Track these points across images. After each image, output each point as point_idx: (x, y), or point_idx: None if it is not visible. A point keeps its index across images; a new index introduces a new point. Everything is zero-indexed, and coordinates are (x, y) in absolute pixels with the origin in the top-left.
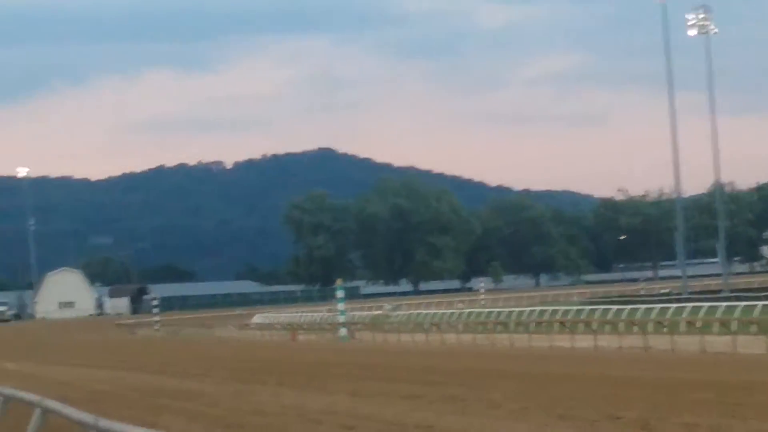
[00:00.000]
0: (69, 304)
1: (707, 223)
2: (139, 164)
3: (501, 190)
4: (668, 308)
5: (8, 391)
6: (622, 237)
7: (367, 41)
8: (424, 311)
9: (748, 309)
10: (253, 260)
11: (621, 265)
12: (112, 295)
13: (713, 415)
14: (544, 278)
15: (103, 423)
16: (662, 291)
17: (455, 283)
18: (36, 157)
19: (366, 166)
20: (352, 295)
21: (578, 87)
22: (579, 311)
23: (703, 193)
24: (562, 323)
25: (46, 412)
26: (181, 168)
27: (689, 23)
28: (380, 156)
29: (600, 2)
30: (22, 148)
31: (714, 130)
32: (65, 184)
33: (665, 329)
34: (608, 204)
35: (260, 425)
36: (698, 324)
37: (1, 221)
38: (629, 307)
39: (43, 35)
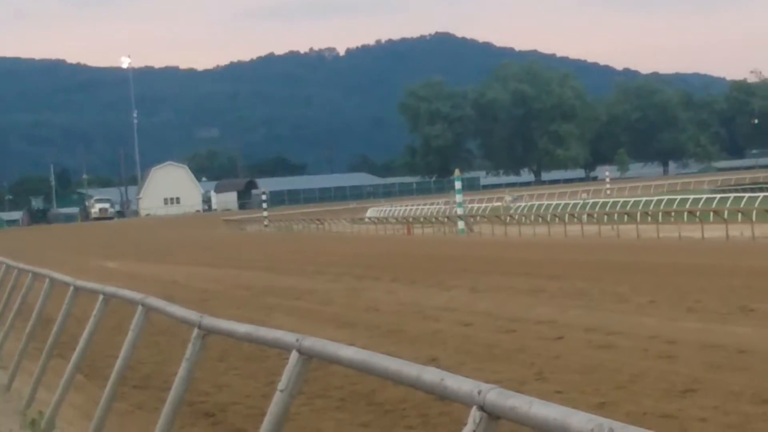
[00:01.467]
0: (174, 200)
1: None
2: (247, 53)
3: (628, 74)
4: None
5: (109, 289)
6: (755, 121)
7: None
8: (547, 202)
9: None
10: (366, 151)
11: (754, 151)
12: (219, 190)
13: None
14: (672, 166)
15: (207, 320)
16: None
17: (579, 173)
18: (140, 47)
19: (486, 50)
20: (471, 186)
21: None
22: (709, 200)
23: None
24: (691, 213)
25: (149, 310)
26: (292, 56)
27: None
28: (501, 40)
29: None
30: (126, 37)
31: None
32: (170, 74)
33: None
34: (741, 86)
35: (375, 323)
36: None
37: (104, 114)
38: (763, 194)
39: None
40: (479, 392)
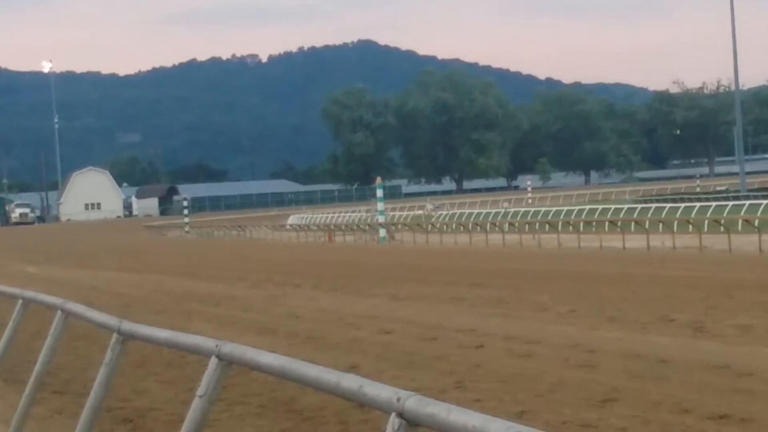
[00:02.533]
0: (95, 206)
1: (767, 116)
2: (169, 58)
3: (550, 83)
4: (725, 206)
5: (29, 293)
6: (677, 132)
7: None
8: (468, 211)
9: None
10: (289, 158)
11: (676, 162)
12: (140, 196)
13: None
14: (594, 176)
15: (127, 326)
16: (719, 188)
17: (501, 182)
18: (62, 51)
19: (409, 58)
20: (393, 194)
21: None
22: (631, 209)
23: (763, 85)
24: (613, 222)
25: (69, 315)
26: (215, 62)
27: None
28: (424, 48)
29: None
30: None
31: None
32: (92, 79)
33: (722, 228)
34: (663, 97)
35: (295, 330)
36: (756, 222)
37: (26, 118)
38: (684, 205)
39: None
40: (398, 399)
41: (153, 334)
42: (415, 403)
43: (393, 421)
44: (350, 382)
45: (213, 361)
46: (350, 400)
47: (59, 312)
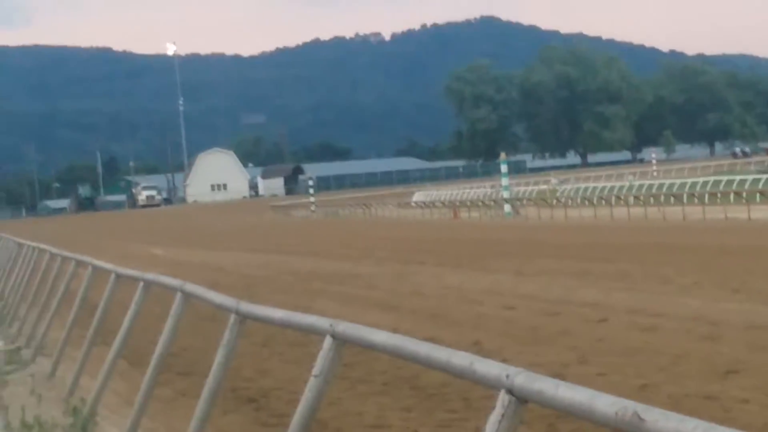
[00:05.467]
0: (221, 187)
1: None
2: (292, 38)
3: (674, 56)
4: None
5: (149, 276)
6: None
7: None
8: (593, 185)
9: None
10: (413, 136)
11: None
12: (265, 176)
13: None
14: (719, 147)
15: (245, 307)
16: None
17: (625, 155)
18: (186, 34)
19: (531, 33)
20: (517, 169)
21: None
22: (756, 180)
23: None
24: (738, 194)
25: (188, 296)
26: (337, 41)
27: None
28: (547, 23)
29: None
30: (172, 24)
31: None
32: (216, 60)
33: None
34: None
35: (419, 307)
36: None
37: (151, 101)
38: None
39: None
40: (507, 376)
41: (269, 314)
42: (524, 379)
43: (503, 397)
44: (460, 359)
45: (328, 340)
46: (461, 377)
47: (179, 293)
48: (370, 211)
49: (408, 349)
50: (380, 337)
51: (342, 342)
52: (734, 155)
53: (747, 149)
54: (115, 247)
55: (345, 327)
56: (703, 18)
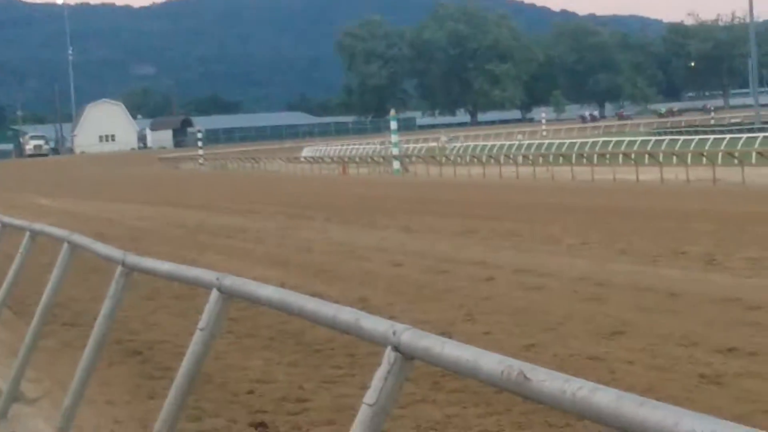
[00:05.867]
0: (109, 138)
1: None
2: None
3: (565, 15)
4: (739, 138)
5: (37, 226)
6: (691, 64)
7: None
8: (482, 143)
9: None
10: (303, 90)
11: (690, 94)
12: (154, 128)
13: None
14: (609, 108)
15: (131, 258)
16: (733, 120)
17: (515, 114)
18: None
19: None
20: (407, 126)
21: None
22: (645, 142)
23: None
24: (626, 155)
25: (75, 247)
26: None
27: None
28: None
29: None
30: None
31: None
32: (106, 11)
33: (735, 161)
34: (678, 29)
35: (306, 263)
36: None
37: (40, 50)
38: (698, 137)
39: None
40: (394, 333)
41: (156, 266)
42: (410, 336)
43: (389, 354)
44: (347, 315)
45: (214, 294)
46: (347, 333)
47: (66, 244)
48: (259, 166)
49: (295, 305)
50: (267, 291)
51: (228, 296)
52: (583, 119)
53: (596, 113)
54: (2, 197)
55: (232, 281)
56: None
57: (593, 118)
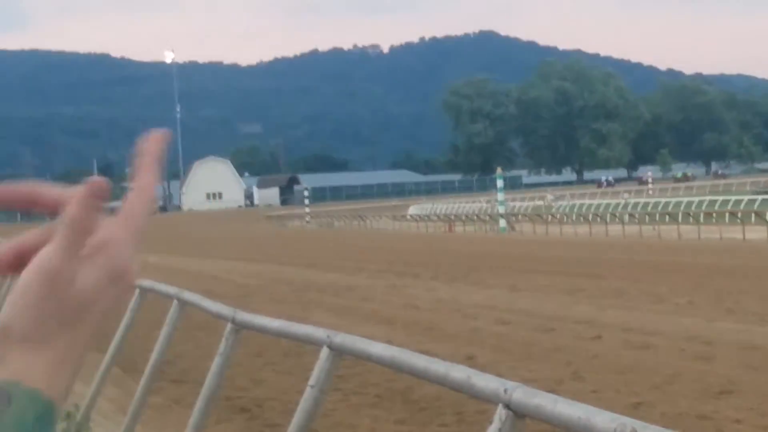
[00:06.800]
0: (217, 195)
1: None
2: (291, 49)
3: (672, 74)
4: None
5: (147, 283)
6: None
7: None
8: (588, 201)
9: None
10: (409, 149)
11: None
12: (261, 186)
13: None
14: (715, 167)
15: (241, 315)
16: None
17: (622, 172)
18: (184, 41)
19: (530, 49)
20: (513, 184)
21: None
22: (751, 201)
23: None
24: (733, 214)
25: (185, 304)
26: (336, 52)
27: None
28: (545, 38)
29: None
30: (170, 32)
31: None
32: (214, 69)
33: None
34: None
35: (413, 320)
36: None
37: (148, 108)
38: None
39: None
40: (505, 390)
41: (266, 324)
42: (521, 394)
43: (500, 412)
44: (459, 372)
45: (324, 351)
46: (459, 390)
47: (175, 301)
48: (366, 223)
49: (406, 362)
50: (377, 349)
51: (339, 353)
52: (599, 185)
53: (611, 178)
54: None
55: (342, 338)
56: (702, 38)
57: (609, 184)
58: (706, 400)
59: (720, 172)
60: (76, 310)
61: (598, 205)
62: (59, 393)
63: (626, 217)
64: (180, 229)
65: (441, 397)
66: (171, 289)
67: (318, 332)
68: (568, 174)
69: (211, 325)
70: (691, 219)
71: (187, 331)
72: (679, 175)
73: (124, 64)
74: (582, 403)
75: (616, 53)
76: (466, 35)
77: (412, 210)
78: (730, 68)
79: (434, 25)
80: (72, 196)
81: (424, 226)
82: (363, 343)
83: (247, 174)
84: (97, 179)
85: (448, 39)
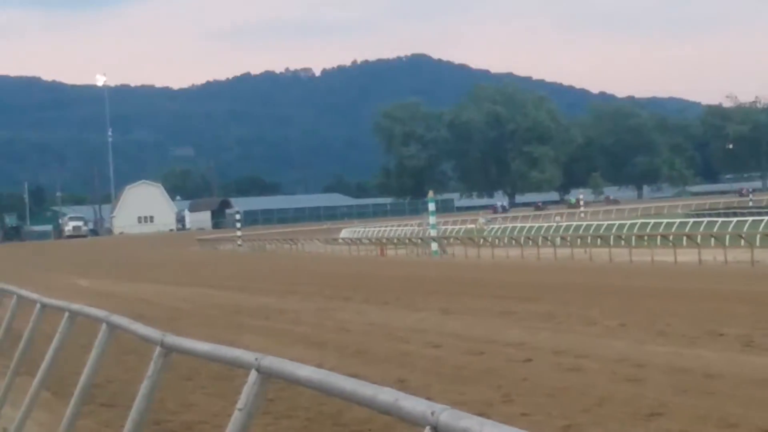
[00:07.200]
0: (148, 219)
1: None
2: (223, 72)
3: (604, 97)
4: None
5: (75, 306)
6: (730, 146)
7: None
8: (520, 224)
9: None
10: (341, 172)
11: (728, 176)
12: (193, 209)
13: None
14: (647, 190)
15: (170, 339)
16: None
17: (553, 195)
18: (116, 65)
19: (462, 72)
20: (445, 208)
21: None
22: (683, 224)
23: None
24: (665, 236)
25: (113, 328)
26: (268, 75)
27: None
28: (477, 62)
29: None
30: (102, 55)
31: None
32: (146, 92)
33: None
34: (716, 111)
35: (344, 344)
36: None
37: (79, 131)
38: (736, 219)
39: None
40: (432, 413)
41: (195, 347)
42: (448, 417)
43: None
44: (386, 395)
45: (252, 374)
46: (387, 413)
47: (104, 325)
48: (297, 247)
49: (333, 385)
50: (306, 372)
51: (267, 376)
52: (494, 210)
53: (506, 204)
54: (41, 278)
55: (270, 361)
56: (634, 61)
57: (504, 209)
58: (637, 422)
59: (612, 197)
60: None
61: (530, 228)
62: None
63: (558, 240)
64: (111, 252)
65: (371, 419)
66: (100, 313)
67: (246, 355)
68: (500, 197)
69: (142, 348)
70: (622, 242)
71: (118, 354)
72: (573, 201)
73: (56, 87)
74: (510, 426)
75: (549, 76)
76: (399, 58)
77: (344, 233)
78: (662, 91)
79: (366, 48)
80: None
81: (356, 249)
82: (291, 366)
83: (179, 197)
84: None
85: (380, 62)
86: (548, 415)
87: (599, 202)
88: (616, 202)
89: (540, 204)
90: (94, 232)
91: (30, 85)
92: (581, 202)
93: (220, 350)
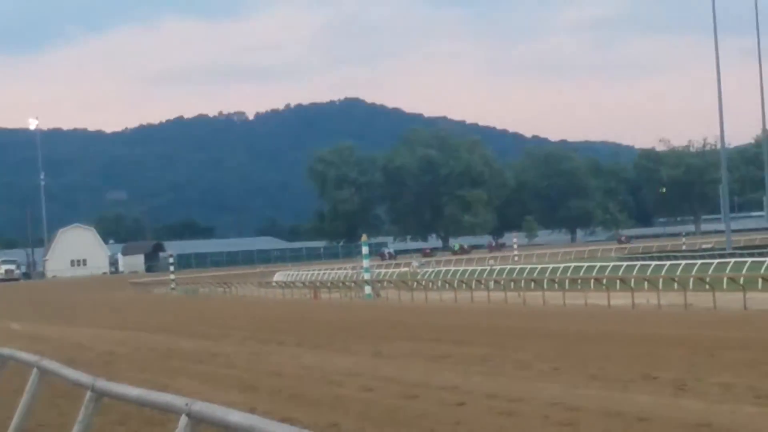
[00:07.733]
0: (81, 262)
1: (753, 174)
2: (156, 116)
3: (537, 141)
4: (710, 264)
5: (6, 351)
6: (663, 190)
7: None
8: (454, 268)
9: None
10: (275, 216)
11: (662, 219)
12: (126, 253)
13: (752, 375)
14: (580, 233)
15: (101, 384)
16: (704, 246)
17: (487, 239)
18: (48, 108)
19: (395, 116)
20: (379, 251)
21: (618, 34)
22: (616, 267)
23: (749, 143)
24: (598, 280)
25: (44, 372)
26: (201, 119)
27: None
28: (410, 106)
29: None
30: (34, 99)
31: (761, 76)
32: (79, 136)
33: (707, 286)
34: (649, 155)
35: (277, 387)
36: (741, 280)
37: (12, 175)
38: (669, 262)
39: None
40: None
41: (126, 391)
42: None
43: None
44: None
45: (183, 420)
46: None
47: (35, 369)
48: (231, 290)
49: (264, 430)
50: (236, 417)
51: (198, 421)
52: (382, 257)
53: (392, 251)
54: None
55: (201, 406)
56: (566, 105)
57: (391, 257)
58: None
59: (495, 243)
60: None
61: (464, 272)
62: None
63: (491, 284)
64: (44, 295)
65: None
66: (31, 357)
67: (177, 400)
68: (433, 241)
69: (74, 393)
70: (556, 285)
71: (50, 398)
72: (456, 247)
73: None
74: None
75: (482, 120)
76: (332, 102)
77: (278, 276)
78: (595, 135)
79: (299, 92)
80: None
81: (290, 292)
82: (222, 411)
83: (112, 241)
84: None
85: (313, 106)
86: None
87: (612, 242)
88: (499, 248)
89: (428, 250)
90: (26, 276)
91: None
92: (467, 249)
93: (150, 395)
